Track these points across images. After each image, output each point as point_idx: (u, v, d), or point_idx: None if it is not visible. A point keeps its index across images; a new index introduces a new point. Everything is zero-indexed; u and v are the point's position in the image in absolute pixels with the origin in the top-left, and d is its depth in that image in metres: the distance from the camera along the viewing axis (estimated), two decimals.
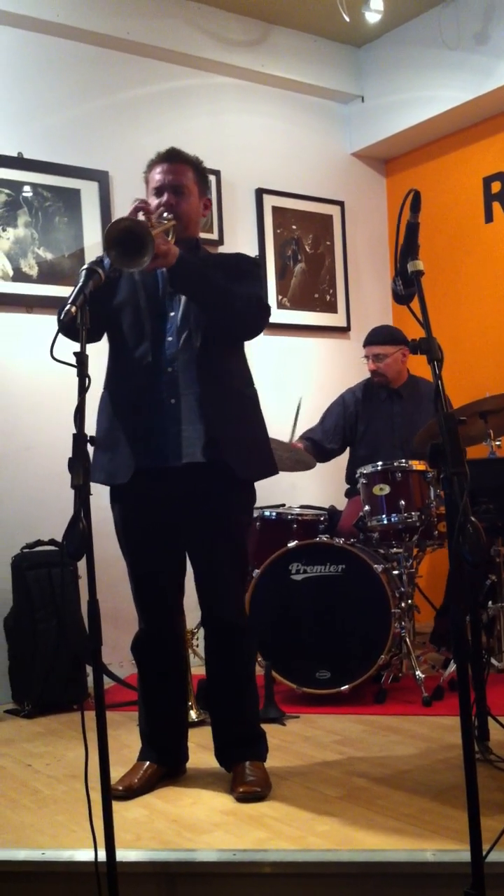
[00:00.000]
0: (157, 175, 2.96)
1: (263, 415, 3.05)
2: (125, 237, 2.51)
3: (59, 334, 2.26)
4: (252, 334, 3.00)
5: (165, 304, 2.92)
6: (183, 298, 2.90)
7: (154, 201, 2.94)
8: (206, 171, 3.07)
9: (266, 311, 2.99)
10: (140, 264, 2.53)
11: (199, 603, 3.01)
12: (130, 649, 3.07)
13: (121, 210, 4.60)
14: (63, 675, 4.06)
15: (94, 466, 2.82)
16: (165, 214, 2.89)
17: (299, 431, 4.74)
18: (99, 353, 2.80)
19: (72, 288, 2.35)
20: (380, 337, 4.69)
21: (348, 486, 4.80)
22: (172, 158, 2.98)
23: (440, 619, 4.56)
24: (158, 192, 2.95)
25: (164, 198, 2.93)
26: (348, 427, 4.80)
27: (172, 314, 2.91)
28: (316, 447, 4.74)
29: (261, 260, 3.12)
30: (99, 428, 2.95)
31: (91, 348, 2.25)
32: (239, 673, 3.00)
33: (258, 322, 2.96)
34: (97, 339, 2.94)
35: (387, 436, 4.68)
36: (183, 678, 3.14)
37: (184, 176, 2.96)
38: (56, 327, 2.33)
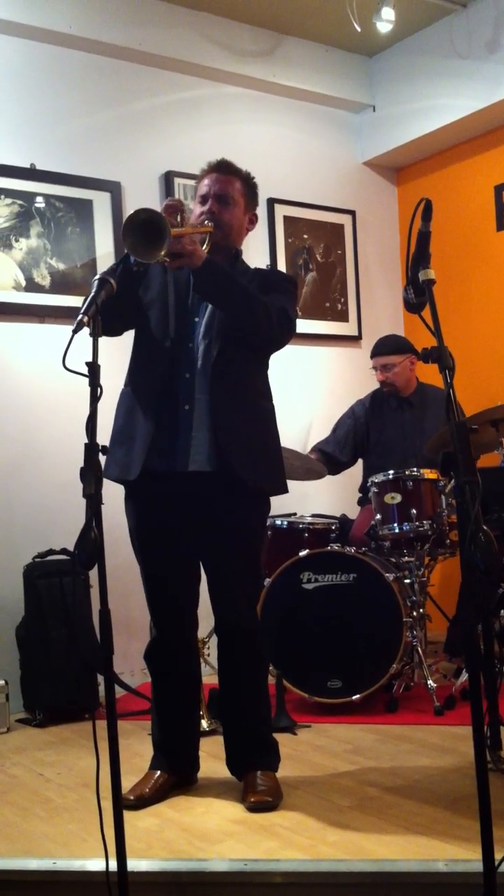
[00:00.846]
0: (205, 184, 2.99)
1: (278, 429, 3.05)
2: (143, 228, 2.52)
3: (73, 342, 2.26)
4: (274, 347, 3.00)
5: (193, 307, 2.93)
6: (209, 305, 2.90)
7: (198, 209, 2.96)
8: (255, 186, 3.08)
9: (291, 325, 2.98)
10: (154, 257, 2.54)
11: (212, 611, 3.01)
12: (143, 657, 3.07)
13: None
14: (75, 685, 4.06)
15: (108, 461, 2.84)
16: (205, 221, 2.90)
17: (311, 443, 4.74)
18: (111, 358, 2.80)
19: (84, 298, 2.36)
20: (386, 347, 4.69)
21: (360, 495, 4.80)
22: (222, 169, 3.00)
23: (453, 628, 4.54)
24: (203, 199, 2.97)
25: (208, 206, 2.94)
26: (359, 438, 4.80)
27: (197, 319, 2.92)
28: (329, 459, 4.74)
29: (297, 279, 3.12)
30: (116, 422, 2.96)
31: (110, 350, 2.25)
32: (251, 682, 3.00)
33: (281, 335, 2.96)
34: (117, 333, 2.93)
35: (399, 444, 4.68)
36: (196, 687, 3.14)
37: (230, 186, 2.97)
38: (69, 337, 2.34)
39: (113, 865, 2.07)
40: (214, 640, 3.09)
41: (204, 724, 3.63)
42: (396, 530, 4.03)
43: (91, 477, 2.09)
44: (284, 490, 3.04)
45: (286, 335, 2.98)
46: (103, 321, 2.32)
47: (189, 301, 2.94)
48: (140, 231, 2.52)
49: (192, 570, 3.02)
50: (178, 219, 2.76)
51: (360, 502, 4.78)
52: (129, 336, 3.04)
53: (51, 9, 4.56)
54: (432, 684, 3.87)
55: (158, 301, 2.94)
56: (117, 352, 3.07)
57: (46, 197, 4.59)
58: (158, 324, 2.92)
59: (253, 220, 3.09)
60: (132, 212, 2.55)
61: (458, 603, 4.33)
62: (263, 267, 3.31)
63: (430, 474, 4.05)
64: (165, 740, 3.05)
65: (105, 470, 2.85)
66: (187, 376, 2.88)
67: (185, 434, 2.85)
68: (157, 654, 3.05)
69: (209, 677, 3.45)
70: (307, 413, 5.42)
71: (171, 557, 2.96)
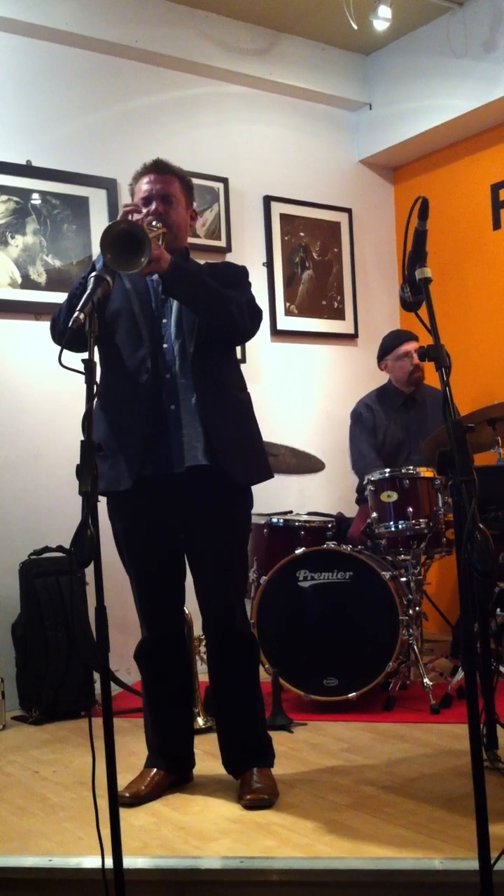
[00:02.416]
0: (144, 185, 2.96)
1: (257, 419, 3.07)
2: (121, 240, 2.51)
3: (62, 341, 2.25)
4: (247, 337, 3.02)
5: (158, 310, 2.94)
6: (175, 305, 2.91)
7: (142, 210, 2.93)
8: (191, 184, 3.07)
9: (259, 313, 3.01)
10: (137, 266, 2.52)
11: (199, 610, 3.01)
12: (133, 657, 3.07)
13: None
14: (71, 682, 4.06)
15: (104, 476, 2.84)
16: (154, 223, 2.87)
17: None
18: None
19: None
20: (410, 333, 4.75)
21: (358, 495, 4.80)
22: (159, 169, 2.98)
23: (458, 629, 4.53)
24: (146, 201, 2.94)
25: (153, 206, 2.92)
26: (377, 441, 4.79)
27: (165, 321, 2.92)
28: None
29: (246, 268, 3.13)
30: (96, 438, 2.94)
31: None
32: (243, 679, 3.00)
33: (253, 326, 2.98)
34: (82, 350, 2.93)
35: (404, 442, 4.68)
36: (188, 684, 3.13)
37: (171, 185, 2.96)
38: (66, 334, 2.33)
39: (109, 863, 2.06)
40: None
41: (200, 721, 3.63)
42: (393, 529, 4.03)
43: (87, 475, 2.09)
44: (269, 475, 3.05)
45: (256, 325, 3.00)
46: (71, 341, 2.31)
47: (153, 305, 2.94)
48: (119, 243, 2.51)
49: (179, 567, 3.03)
50: (140, 222, 2.74)
51: (359, 502, 4.78)
52: None
53: (47, 6, 4.55)
54: (429, 683, 3.88)
55: (123, 311, 2.94)
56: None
57: (42, 194, 4.58)
58: (129, 332, 2.92)
59: (194, 217, 3.09)
60: (107, 226, 2.53)
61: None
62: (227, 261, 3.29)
63: (426, 473, 4.05)
64: (158, 740, 3.05)
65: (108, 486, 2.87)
66: (168, 376, 2.88)
67: (176, 434, 2.85)
68: (148, 654, 3.05)
69: (205, 675, 3.44)
70: (303, 411, 5.42)
71: (162, 560, 2.97)
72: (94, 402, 2.15)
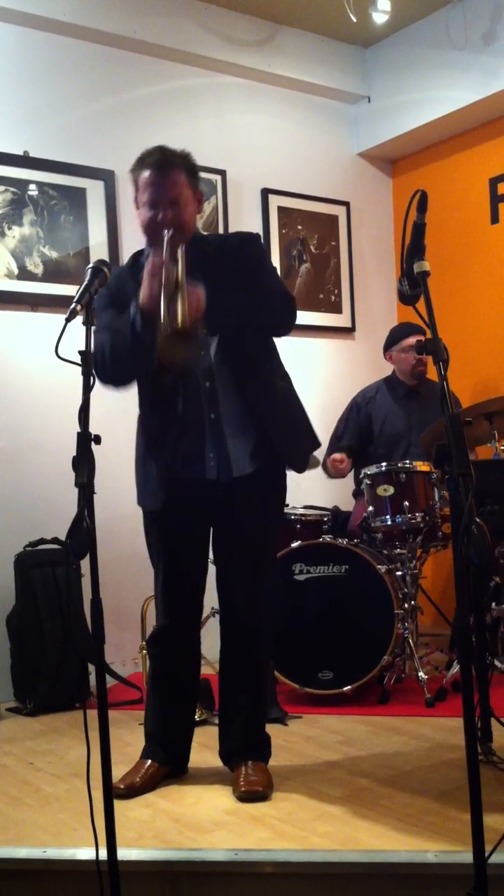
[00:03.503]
0: (149, 188, 2.81)
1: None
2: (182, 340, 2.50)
3: (65, 330, 2.23)
4: (288, 329, 2.96)
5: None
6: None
7: (148, 213, 2.81)
8: (195, 167, 2.92)
9: (294, 303, 2.94)
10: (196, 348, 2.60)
11: (219, 605, 3.02)
12: (147, 642, 3.06)
13: (126, 210, 4.60)
14: (66, 674, 4.06)
15: (140, 490, 2.94)
16: (167, 233, 2.70)
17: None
18: None
19: (77, 286, 2.34)
20: (418, 326, 4.76)
21: (356, 487, 4.79)
22: (161, 168, 2.81)
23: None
24: (152, 205, 2.81)
25: (161, 216, 2.78)
26: (362, 434, 4.79)
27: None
28: (351, 450, 4.73)
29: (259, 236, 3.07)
30: (138, 449, 2.99)
31: None
32: (254, 678, 3.01)
33: (293, 319, 2.94)
34: (127, 384, 2.89)
35: (404, 433, 4.68)
36: (195, 679, 3.13)
37: (177, 185, 2.81)
38: (62, 325, 2.32)
39: (104, 854, 2.07)
40: (207, 631, 3.09)
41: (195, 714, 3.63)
42: (389, 522, 4.04)
43: (84, 466, 2.09)
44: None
45: (294, 316, 2.94)
46: (121, 372, 2.32)
47: None
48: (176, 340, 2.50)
49: (204, 560, 3.04)
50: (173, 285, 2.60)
51: (356, 494, 4.78)
52: None
53: None
54: (423, 676, 3.88)
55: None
56: None
57: (40, 185, 4.57)
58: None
59: (200, 200, 2.94)
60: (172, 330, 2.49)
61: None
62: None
63: (422, 467, 4.05)
64: (158, 729, 3.05)
65: (140, 499, 2.96)
66: (208, 385, 2.86)
67: (220, 443, 2.85)
68: (163, 641, 3.04)
69: (204, 668, 3.44)
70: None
71: (193, 556, 2.99)
72: (91, 392, 2.14)
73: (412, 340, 4.71)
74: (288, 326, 2.93)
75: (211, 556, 3.05)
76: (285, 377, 3.04)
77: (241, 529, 2.94)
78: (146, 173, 2.83)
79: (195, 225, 2.96)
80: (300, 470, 3.02)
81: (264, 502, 2.96)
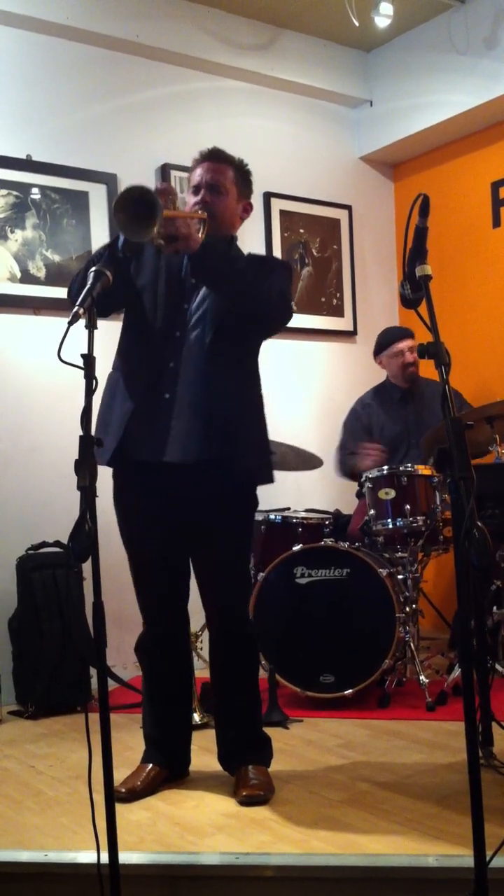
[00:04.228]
0: (197, 173, 2.95)
1: (266, 419, 3.03)
2: (134, 205, 2.49)
3: (68, 334, 2.24)
4: (272, 329, 2.98)
5: (184, 296, 2.89)
6: (201, 292, 2.88)
7: (191, 199, 2.92)
8: (248, 174, 3.02)
9: (288, 309, 2.96)
10: (145, 235, 2.52)
11: (203, 606, 3.01)
12: (134, 650, 3.07)
13: None
14: (67, 677, 4.06)
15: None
16: (199, 210, 2.86)
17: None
18: (106, 351, 2.78)
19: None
20: (405, 329, 4.79)
21: (359, 489, 4.79)
22: (213, 157, 2.96)
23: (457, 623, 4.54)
24: (196, 189, 2.93)
25: (200, 196, 2.91)
26: (366, 438, 4.79)
27: (186, 306, 2.88)
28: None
29: (292, 266, 3.11)
30: (100, 406, 2.92)
31: (100, 345, 2.24)
32: (243, 677, 3.00)
33: (280, 317, 2.93)
34: (107, 314, 2.83)
35: (403, 436, 4.69)
36: (187, 680, 3.14)
37: (223, 175, 2.93)
38: (64, 328, 2.33)
39: (104, 858, 2.07)
40: (206, 633, 3.09)
41: (196, 717, 3.63)
42: (390, 526, 4.04)
43: (86, 469, 2.09)
44: (271, 479, 3.01)
45: (284, 318, 2.95)
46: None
47: (180, 289, 2.90)
48: (131, 208, 2.50)
49: (182, 563, 3.01)
50: (171, 205, 2.72)
51: (359, 496, 4.77)
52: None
53: (48, 0, 4.54)
54: (424, 680, 3.88)
55: (149, 288, 2.90)
56: (112, 344, 3.06)
57: (42, 188, 4.57)
58: (147, 312, 2.89)
59: (247, 209, 3.03)
60: (123, 189, 2.53)
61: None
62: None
63: (424, 470, 4.05)
64: (157, 734, 3.05)
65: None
66: (171, 365, 2.84)
67: (164, 423, 2.81)
68: (148, 647, 3.04)
69: (202, 671, 3.45)
70: (301, 408, 5.42)
71: (162, 548, 2.95)
72: (93, 396, 2.14)
73: (401, 346, 4.73)
74: (270, 318, 2.91)
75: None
76: (256, 391, 2.99)
77: (206, 524, 2.89)
78: (197, 166, 2.96)
79: (231, 225, 3.00)
80: (237, 477, 2.88)
81: (229, 491, 2.88)
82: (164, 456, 2.81)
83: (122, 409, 2.85)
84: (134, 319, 2.93)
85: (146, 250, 2.89)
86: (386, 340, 4.83)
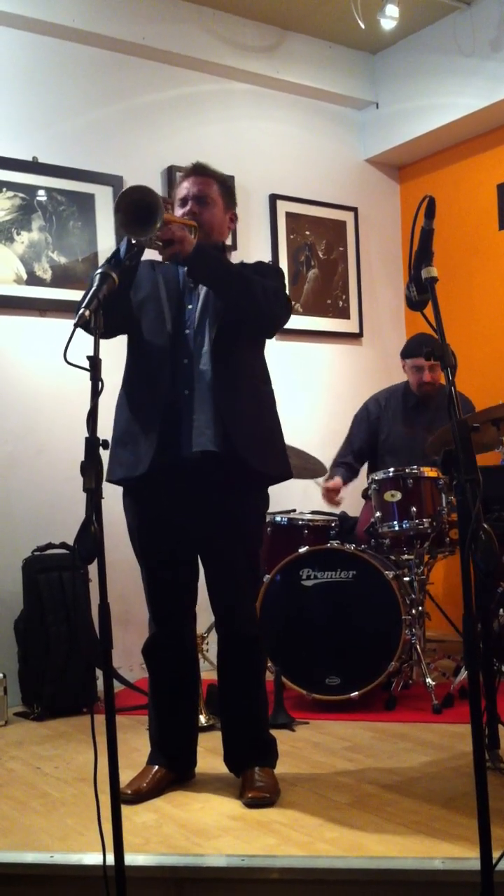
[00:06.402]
0: (183, 187, 3.02)
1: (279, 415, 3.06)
2: (135, 205, 2.54)
3: (74, 335, 2.25)
4: (273, 327, 3.00)
5: (185, 297, 2.96)
6: (202, 292, 2.94)
7: (179, 212, 2.99)
8: (232, 187, 3.13)
9: (288, 305, 3.01)
10: (147, 234, 2.56)
11: (211, 608, 3.01)
12: (141, 653, 3.07)
13: None
14: (73, 679, 4.06)
15: (112, 463, 2.86)
16: (189, 219, 2.93)
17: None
18: (112, 353, 2.79)
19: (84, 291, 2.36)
20: (433, 348, 4.65)
21: (366, 491, 4.77)
22: (199, 172, 3.04)
23: None
24: (183, 202, 3.00)
25: (188, 207, 2.98)
26: (373, 437, 4.79)
27: (191, 307, 2.95)
28: (352, 471, 4.73)
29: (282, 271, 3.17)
30: (118, 424, 2.97)
31: (107, 348, 2.25)
32: (249, 679, 3.00)
33: (280, 315, 2.97)
34: (109, 336, 2.89)
35: (414, 441, 4.66)
36: (194, 683, 3.14)
37: (208, 188, 3.01)
38: (70, 330, 2.33)
39: (110, 860, 2.06)
40: (213, 636, 3.09)
41: (202, 719, 3.63)
42: (396, 528, 4.03)
43: (92, 471, 2.09)
44: (289, 475, 3.04)
45: (284, 314, 2.99)
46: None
47: (181, 292, 2.98)
48: (132, 208, 2.55)
49: (191, 565, 3.02)
50: (169, 211, 2.80)
51: (365, 497, 4.75)
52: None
53: (55, 2, 4.55)
54: (431, 682, 3.87)
55: (151, 298, 2.97)
56: (117, 346, 3.06)
57: (48, 190, 4.58)
58: (155, 318, 2.95)
59: (233, 219, 3.14)
60: (124, 189, 2.57)
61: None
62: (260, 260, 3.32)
63: (430, 472, 4.05)
64: (162, 736, 3.05)
65: (110, 473, 2.87)
66: (185, 362, 2.90)
67: (187, 418, 2.86)
68: (156, 650, 3.04)
69: (208, 673, 3.45)
70: (307, 410, 5.42)
71: (172, 552, 2.96)
72: (99, 398, 2.14)
73: (421, 362, 4.61)
74: (269, 315, 2.93)
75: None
76: (266, 386, 3.04)
77: (221, 517, 2.90)
78: (183, 181, 3.04)
79: (219, 236, 3.07)
80: (255, 468, 2.89)
81: (241, 486, 2.90)
82: (192, 447, 2.85)
83: (152, 416, 2.88)
84: (141, 332, 2.97)
85: (140, 269, 2.94)
86: (412, 350, 4.72)
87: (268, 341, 3.11)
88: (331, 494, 4.61)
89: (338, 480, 4.64)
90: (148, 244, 2.69)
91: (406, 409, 4.77)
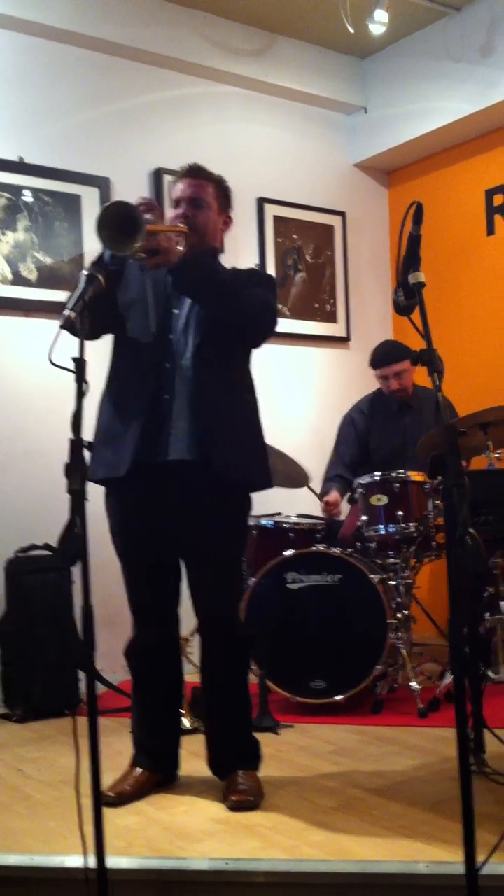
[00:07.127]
0: (178, 189, 3.00)
1: (262, 424, 3.04)
2: (117, 220, 2.52)
3: (59, 337, 2.24)
4: (257, 339, 2.98)
5: (172, 301, 2.94)
6: (189, 299, 2.91)
7: (171, 213, 2.97)
8: (228, 189, 3.09)
9: (274, 317, 3.00)
10: (129, 249, 2.53)
11: (193, 611, 3.00)
12: (123, 655, 3.06)
13: None
14: (56, 681, 4.04)
15: (95, 463, 2.81)
16: (179, 224, 2.90)
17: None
18: (97, 354, 2.78)
19: (70, 292, 2.35)
20: (395, 355, 4.65)
21: (350, 494, 4.77)
22: (194, 173, 3.01)
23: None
24: (177, 203, 2.98)
25: (182, 209, 2.95)
26: (363, 449, 4.79)
27: (177, 311, 2.93)
28: (345, 483, 4.71)
29: (274, 279, 3.16)
30: (100, 423, 2.95)
31: (92, 348, 2.24)
32: (233, 682, 2.99)
33: (266, 327, 2.96)
34: (96, 337, 2.90)
35: (401, 447, 4.66)
36: (177, 685, 3.12)
37: (203, 190, 2.98)
38: (56, 331, 2.32)
39: (92, 862, 2.05)
40: (197, 638, 3.08)
41: (186, 722, 3.61)
42: (382, 532, 4.03)
43: (76, 473, 2.08)
44: (268, 484, 3.02)
45: (268, 328, 2.97)
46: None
47: (168, 296, 2.95)
48: (114, 223, 2.52)
49: (174, 568, 3.01)
50: (158, 219, 2.77)
51: (352, 501, 4.75)
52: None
53: (44, 3, 4.55)
54: (416, 686, 3.87)
55: (138, 301, 2.95)
56: (102, 347, 3.05)
57: (34, 191, 4.57)
58: (140, 321, 2.93)
59: (227, 223, 3.10)
60: (105, 204, 2.55)
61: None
62: (253, 266, 3.32)
63: (416, 477, 4.05)
64: (145, 738, 3.04)
65: (92, 473, 2.85)
66: (168, 366, 2.88)
67: (166, 423, 2.84)
68: (138, 652, 3.03)
69: (192, 675, 3.43)
70: (293, 413, 5.42)
71: (154, 555, 2.95)
72: (84, 399, 2.13)
73: (386, 371, 4.65)
74: (253, 328, 2.93)
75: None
76: (250, 395, 3.03)
77: (202, 524, 2.89)
78: (178, 182, 3.01)
79: (213, 239, 3.04)
80: (230, 480, 2.86)
81: (221, 494, 2.88)
82: (168, 455, 2.83)
83: (133, 417, 2.86)
84: (126, 334, 2.95)
85: (129, 268, 2.91)
86: (374, 361, 4.72)
87: None
88: (330, 508, 4.60)
89: (335, 494, 4.63)
90: (132, 256, 2.66)
91: (391, 414, 4.77)
